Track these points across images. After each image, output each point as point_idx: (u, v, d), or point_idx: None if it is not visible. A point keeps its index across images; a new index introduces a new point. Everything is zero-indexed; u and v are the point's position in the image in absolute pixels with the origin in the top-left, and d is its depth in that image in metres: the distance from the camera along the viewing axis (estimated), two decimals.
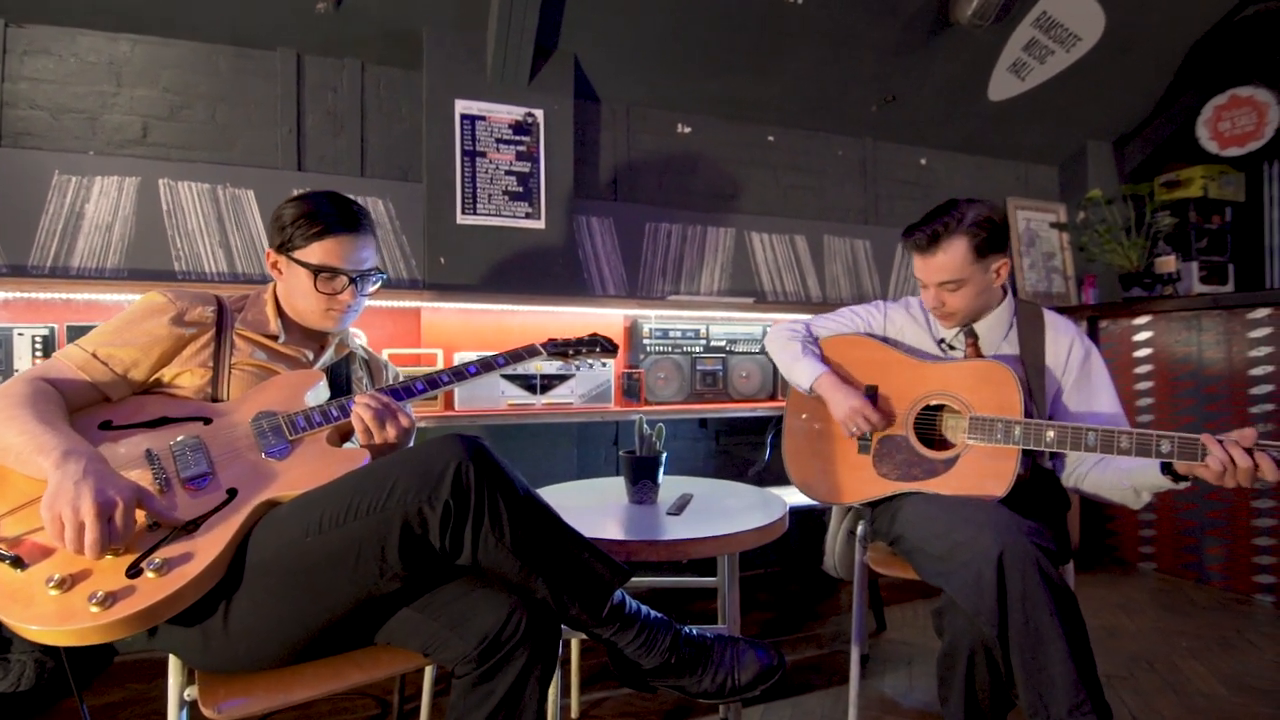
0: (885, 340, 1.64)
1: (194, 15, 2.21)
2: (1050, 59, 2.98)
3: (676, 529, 1.33)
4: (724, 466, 2.87)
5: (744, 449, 2.88)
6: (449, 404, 2.28)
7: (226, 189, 2.27)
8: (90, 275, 2.14)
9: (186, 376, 1.20)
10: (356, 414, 1.18)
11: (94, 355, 1.14)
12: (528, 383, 2.31)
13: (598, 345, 1.51)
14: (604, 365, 2.31)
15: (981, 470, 1.37)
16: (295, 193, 1.34)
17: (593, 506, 1.54)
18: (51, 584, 0.90)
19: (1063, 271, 3.51)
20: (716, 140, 2.93)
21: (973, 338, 1.56)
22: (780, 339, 1.71)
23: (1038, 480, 1.48)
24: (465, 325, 2.41)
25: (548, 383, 2.33)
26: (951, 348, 1.59)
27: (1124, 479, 1.32)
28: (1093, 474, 1.40)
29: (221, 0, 2.18)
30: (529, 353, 1.41)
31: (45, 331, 1.96)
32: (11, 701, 1.75)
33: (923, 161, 3.34)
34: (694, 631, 1.19)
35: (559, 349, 1.46)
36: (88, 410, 1.14)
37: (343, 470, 1.08)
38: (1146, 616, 2.37)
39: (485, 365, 1.35)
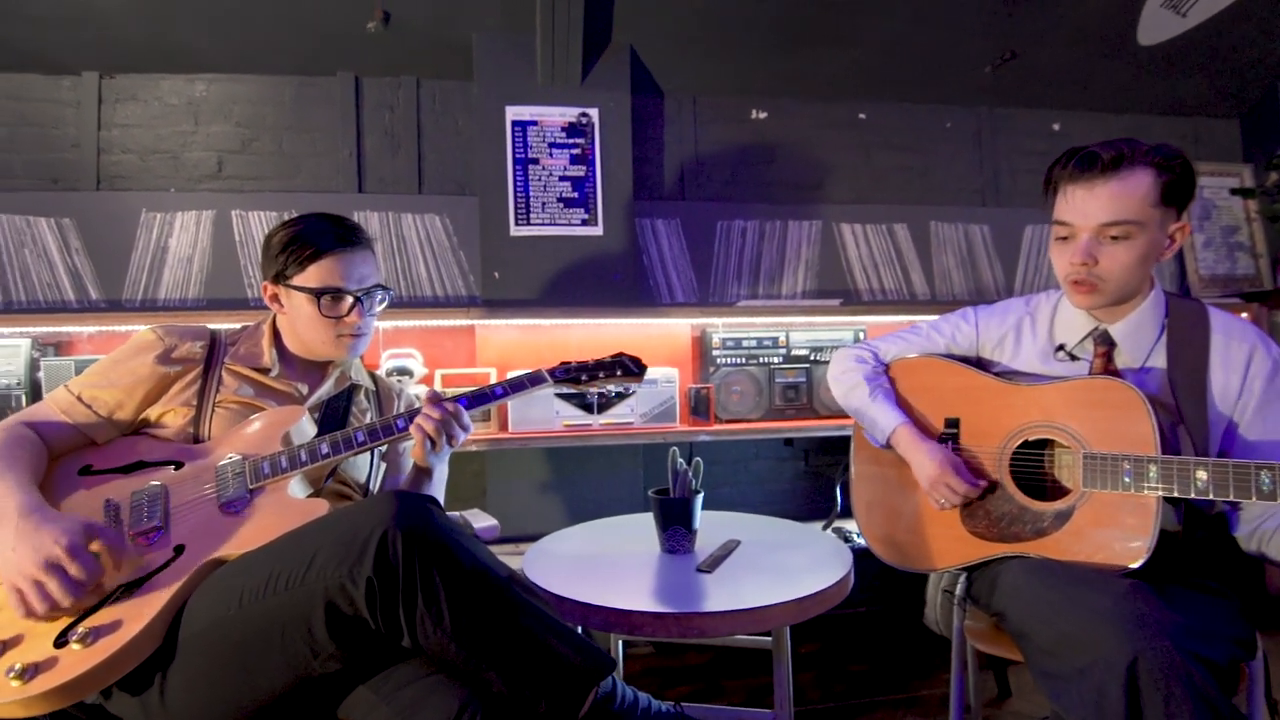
0: (974, 361, 1.30)
1: (260, 49, 2.26)
2: None
3: (697, 595, 1.10)
4: (814, 491, 2.56)
5: (837, 470, 2.55)
6: (503, 425, 2.17)
7: (292, 216, 2.30)
8: (175, 306, 2.25)
9: (170, 416, 1.15)
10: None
11: (79, 398, 1.11)
12: (584, 401, 2.15)
13: (618, 368, 1.31)
14: (627, 390, 2.10)
15: (1106, 528, 1.02)
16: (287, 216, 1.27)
17: (614, 555, 1.34)
18: None
19: (1251, 249, 2.83)
20: (796, 124, 2.62)
21: (1105, 345, 1.18)
22: (845, 377, 1.38)
23: (1208, 535, 1.09)
24: (520, 342, 2.29)
25: (605, 401, 2.16)
26: (1073, 357, 1.22)
27: None
28: None
29: (283, 31, 2.20)
30: (532, 381, 1.23)
31: None
32: None
33: (1056, 126, 2.82)
34: None
35: (571, 374, 1.27)
36: (73, 454, 1.11)
37: (294, 526, 0.96)
38: None
39: (478, 398, 1.19)
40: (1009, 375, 1.25)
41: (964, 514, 1.20)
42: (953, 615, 1.33)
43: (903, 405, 1.33)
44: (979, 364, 1.30)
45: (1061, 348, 1.21)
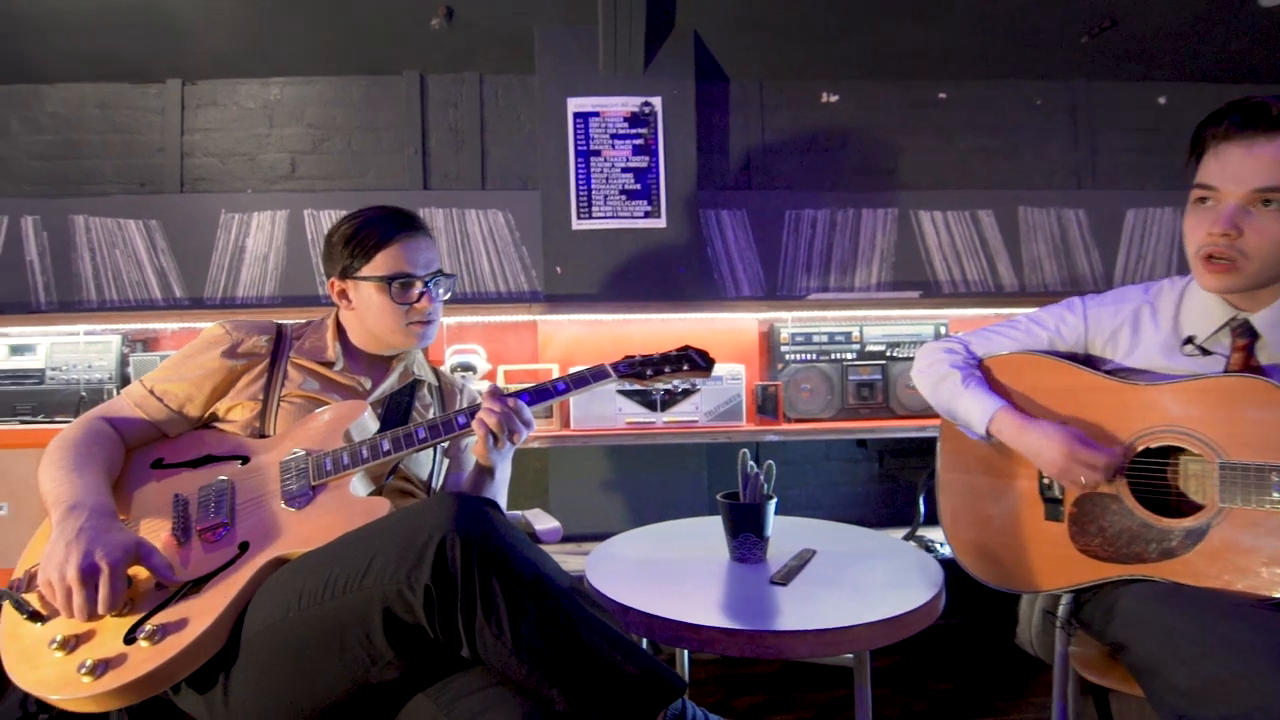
0: (1081, 359, 1.17)
1: (330, 51, 2.30)
2: None
3: (771, 610, 1.02)
4: (890, 495, 2.43)
5: (914, 473, 2.41)
6: (565, 422, 2.14)
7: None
8: (252, 304, 2.31)
9: (238, 410, 1.16)
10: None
11: (151, 391, 1.13)
12: (647, 398, 2.09)
13: (685, 362, 1.24)
14: (693, 385, 2.02)
15: (1249, 550, 0.89)
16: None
17: (680, 562, 1.28)
18: (54, 644, 0.85)
19: None
20: (870, 106, 2.49)
21: (1246, 338, 1.02)
22: (934, 369, 1.25)
23: None
24: (583, 337, 2.25)
25: (669, 398, 2.09)
26: (1205, 351, 1.07)
27: None
28: None
29: (352, 33, 2.23)
30: (595, 376, 1.18)
31: None
32: None
33: (1161, 100, 2.58)
34: None
35: (635, 369, 1.21)
36: (146, 447, 1.13)
37: (356, 525, 0.93)
38: None
39: (539, 393, 1.15)
40: (1123, 374, 1.11)
41: (1073, 529, 1.07)
42: (1054, 639, 1.21)
43: None
44: (1087, 362, 1.17)
45: (1190, 340, 1.07)
